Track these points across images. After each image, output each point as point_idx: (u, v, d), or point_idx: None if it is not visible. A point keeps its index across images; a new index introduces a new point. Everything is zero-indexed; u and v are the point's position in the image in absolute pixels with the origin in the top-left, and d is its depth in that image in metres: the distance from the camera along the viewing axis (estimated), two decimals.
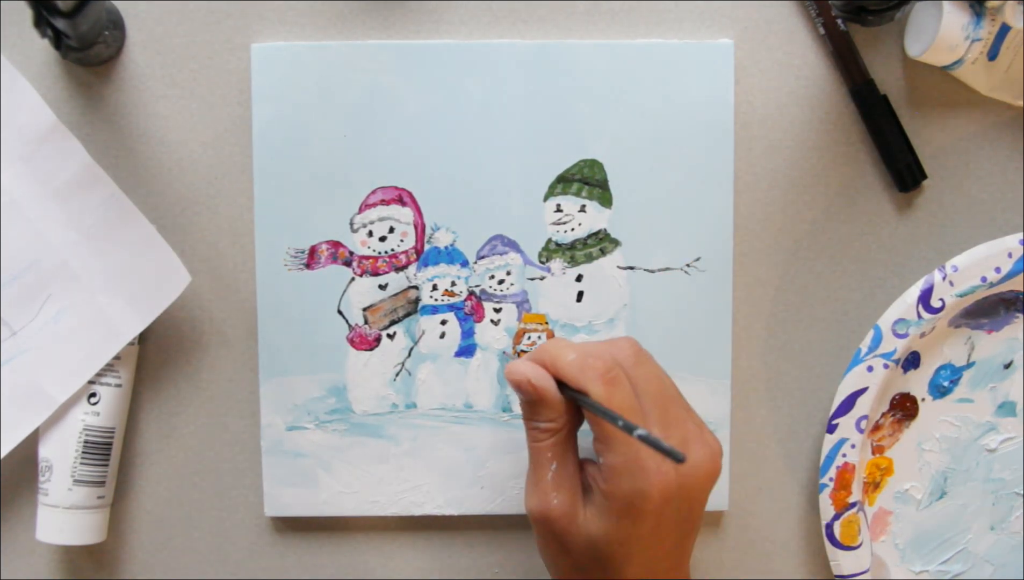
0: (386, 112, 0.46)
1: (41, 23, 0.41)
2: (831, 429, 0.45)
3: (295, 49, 0.46)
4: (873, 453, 0.47)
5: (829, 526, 0.46)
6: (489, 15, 0.46)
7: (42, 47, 0.46)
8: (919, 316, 0.45)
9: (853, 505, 0.46)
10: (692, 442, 0.40)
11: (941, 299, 0.45)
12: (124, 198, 0.45)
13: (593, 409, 0.38)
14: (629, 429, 0.35)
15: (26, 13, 0.43)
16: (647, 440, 0.34)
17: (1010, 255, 0.45)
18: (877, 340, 0.45)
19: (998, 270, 0.45)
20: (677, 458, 0.33)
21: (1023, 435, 0.48)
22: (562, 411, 0.40)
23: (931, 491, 0.48)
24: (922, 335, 0.46)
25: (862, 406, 0.45)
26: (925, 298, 0.45)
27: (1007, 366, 0.47)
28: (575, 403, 0.40)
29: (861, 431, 0.46)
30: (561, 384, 0.40)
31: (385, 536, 0.48)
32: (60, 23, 0.41)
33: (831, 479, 0.46)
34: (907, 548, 0.48)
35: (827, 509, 0.46)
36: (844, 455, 0.46)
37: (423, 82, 0.46)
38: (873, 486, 0.48)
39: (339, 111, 0.46)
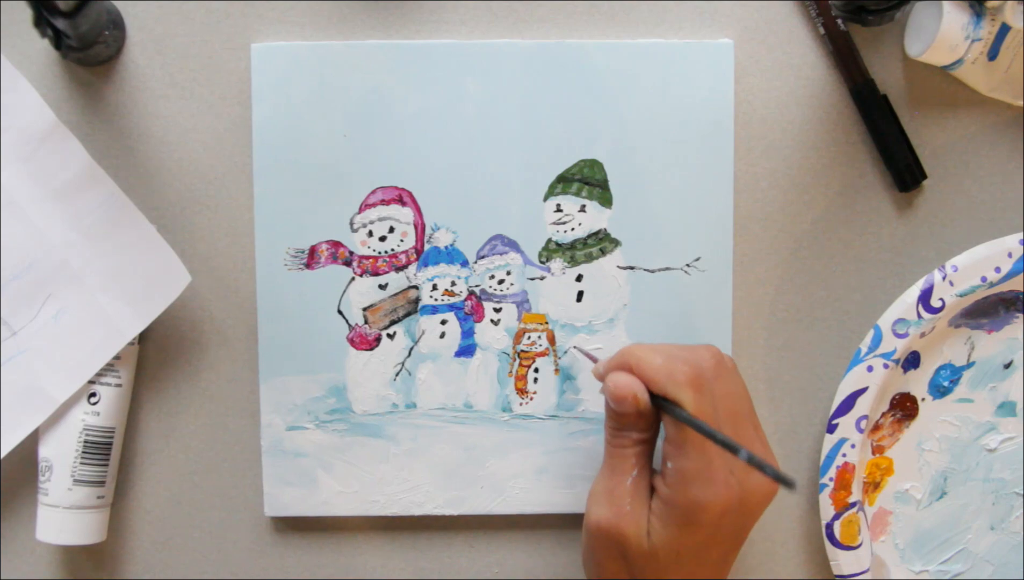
0: (386, 112, 0.46)
1: (41, 23, 0.41)
2: (831, 429, 0.45)
3: (295, 49, 0.46)
4: (873, 453, 0.47)
5: (829, 526, 0.46)
6: (489, 15, 0.46)
7: (42, 47, 0.46)
8: (919, 316, 0.45)
9: (853, 505, 0.46)
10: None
11: (941, 299, 0.45)
12: (124, 198, 0.45)
13: (684, 419, 0.38)
14: (733, 448, 0.35)
15: (26, 13, 0.43)
16: (754, 463, 0.34)
17: (1010, 255, 0.45)
18: (877, 340, 0.45)
19: (998, 270, 0.45)
20: (788, 485, 0.32)
21: (1023, 435, 0.48)
22: (652, 422, 0.40)
23: (931, 491, 0.48)
24: (922, 335, 0.46)
25: (862, 406, 0.45)
26: (925, 298, 0.45)
27: (1007, 366, 0.47)
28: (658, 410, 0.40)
29: (861, 431, 0.46)
30: (653, 396, 0.40)
31: (385, 536, 0.48)
32: (60, 23, 0.41)
33: (831, 479, 0.46)
34: (907, 548, 0.48)
35: (827, 509, 0.46)
36: (844, 455, 0.46)
37: (423, 82, 0.46)
38: (873, 486, 0.48)
39: (339, 111, 0.46)
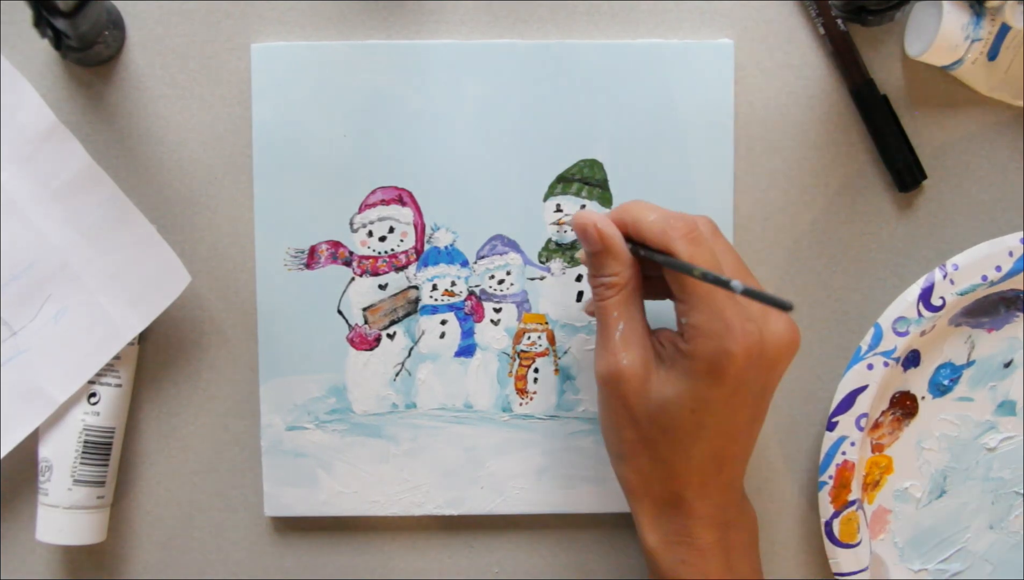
0: (386, 112, 0.46)
1: (41, 23, 0.41)
2: (831, 427, 0.46)
3: (295, 49, 0.46)
4: (873, 451, 0.47)
5: (828, 524, 0.46)
6: (489, 15, 0.46)
7: (42, 47, 0.46)
8: (919, 314, 0.45)
9: (852, 503, 0.46)
10: (770, 312, 0.39)
11: (942, 297, 0.45)
12: (124, 198, 0.45)
13: (678, 267, 0.37)
14: (725, 283, 0.34)
15: (26, 13, 0.42)
16: (750, 292, 0.33)
17: (1011, 254, 0.45)
18: (877, 338, 0.45)
19: (999, 269, 0.45)
20: (784, 306, 0.31)
21: (1023, 434, 0.48)
22: (627, 264, 0.39)
23: (930, 490, 0.48)
24: (922, 333, 0.46)
25: (862, 404, 0.45)
26: (926, 296, 0.45)
27: (1007, 365, 0.47)
28: (642, 262, 0.40)
29: (861, 429, 0.46)
30: (634, 246, 0.39)
31: (385, 536, 0.48)
32: (60, 23, 0.41)
33: (831, 477, 0.46)
34: (906, 546, 0.48)
35: (826, 507, 0.46)
36: (844, 453, 0.46)
37: (423, 82, 0.46)
38: (872, 484, 0.48)
39: (339, 111, 0.46)
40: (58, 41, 0.43)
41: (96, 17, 0.43)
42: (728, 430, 0.39)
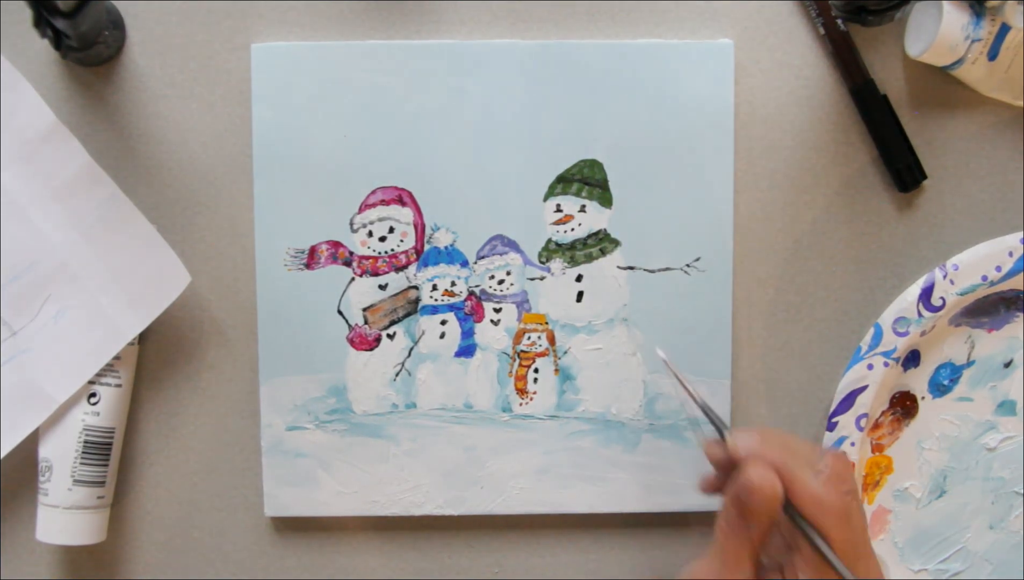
0: (386, 112, 0.46)
1: (41, 23, 0.41)
2: (831, 426, 0.45)
3: (295, 49, 0.46)
4: (873, 451, 0.47)
5: None
6: (489, 15, 0.46)
7: (42, 47, 0.46)
8: (919, 314, 0.45)
9: None
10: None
11: (942, 297, 0.45)
12: (124, 198, 0.45)
13: (828, 559, 0.36)
14: None
15: (26, 13, 0.43)
16: None
17: (1011, 254, 0.45)
18: (878, 338, 0.45)
19: (999, 269, 0.45)
20: None
21: (1023, 434, 0.48)
22: (774, 527, 0.38)
23: (930, 490, 0.48)
24: (922, 333, 0.46)
25: (862, 404, 0.45)
26: (926, 296, 0.45)
27: (1007, 365, 0.47)
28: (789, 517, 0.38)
29: (861, 429, 0.46)
30: (787, 509, 0.38)
31: (385, 536, 0.48)
32: (60, 23, 0.41)
33: None
34: (906, 546, 0.48)
35: None
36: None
37: (423, 82, 0.46)
38: (872, 484, 0.48)
39: (339, 111, 0.46)
40: (58, 41, 0.43)
41: (96, 17, 0.43)
42: None
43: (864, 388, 0.45)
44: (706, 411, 0.41)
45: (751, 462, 0.37)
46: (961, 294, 0.45)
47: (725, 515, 0.38)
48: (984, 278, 0.45)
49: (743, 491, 0.37)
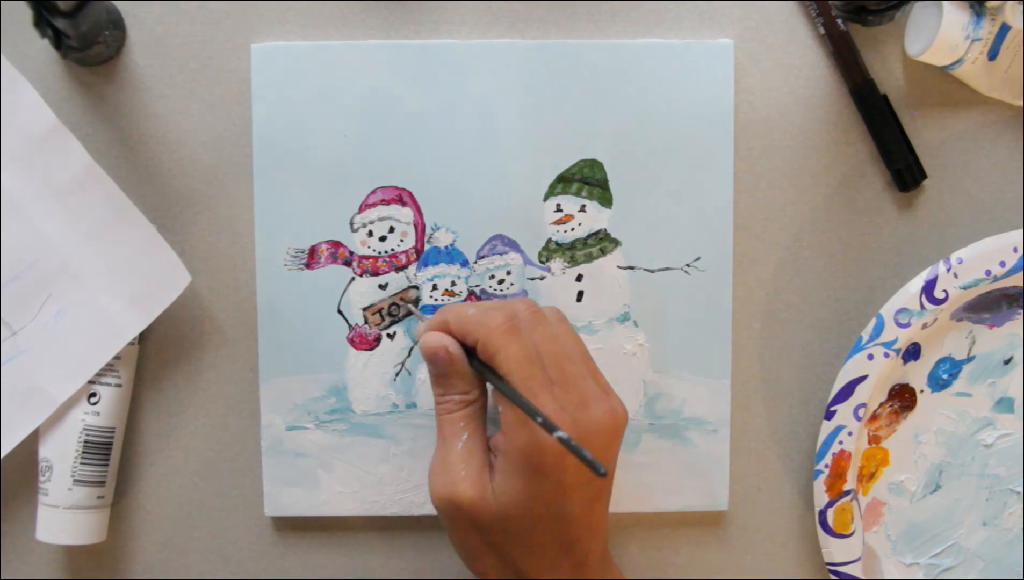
0: (386, 112, 0.46)
1: (41, 23, 0.41)
2: (829, 415, 0.46)
3: (295, 49, 0.46)
4: (869, 443, 0.48)
5: (822, 513, 0.46)
6: (489, 15, 0.46)
7: (42, 47, 0.46)
8: (922, 306, 0.45)
9: (847, 493, 0.46)
10: (591, 401, 0.39)
11: (944, 290, 0.45)
12: (124, 198, 0.45)
13: (504, 391, 0.38)
14: (549, 428, 0.35)
15: (26, 13, 0.42)
16: (567, 444, 0.34)
17: (1016, 250, 0.45)
18: (879, 328, 0.45)
19: (1003, 264, 0.45)
20: (598, 471, 0.32)
21: (1021, 432, 0.48)
22: (475, 382, 0.40)
23: (925, 484, 0.48)
24: (924, 326, 0.46)
25: (861, 394, 0.45)
26: (928, 289, 0.45)
27: (1007, 362, 0.47)
28: (482, 377, 0.40)
29: (859, 419, 0.46)
30: (470, 359, 0.40)
31: (385, 536, 0.48)
32: (60, 23, 0.41)
33: (826, 466, 0.46)
34: (899, 540, 0.48)
35: (821, 496, 0.46)
36: (840, 442, 0.46)
37: (423, 82, 0.46)
38: (868, 476, 0.48)
39: (339, 111, 0.46)
40: (58, 41, 0.43)
41: (96, 17, 0.43)
42: (563, 515, 0.38)
43: (864, 378, 0.45)
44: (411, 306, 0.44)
45: (424, 334, 0.40)
46: (964, 288, 0.45)
47: (433, 393, 0.41)
48: (988, 273, 0.45)
49: (426, 359, 0.40)
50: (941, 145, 0.47)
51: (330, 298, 0.46)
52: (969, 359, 0.47)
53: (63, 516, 0.44)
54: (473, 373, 0.40)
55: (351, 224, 0.46)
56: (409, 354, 0.47)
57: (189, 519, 0.48)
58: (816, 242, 0.48)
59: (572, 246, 0.47)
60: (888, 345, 0.45)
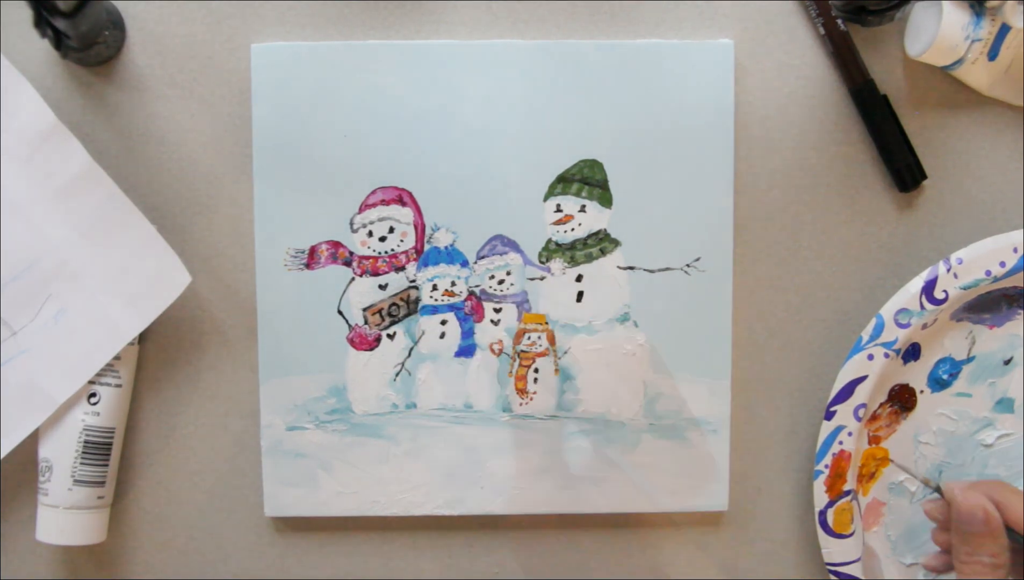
0: (386, 112, 0.46)
1: (41, 23, 0.41)
2: (829, 415, 0.46)
3: (295, 49, 0.46)
4: (870, 443, 0.48)
5: (822, 513, 0.46)
6: (489, 15, 0.46)
7: (42, 47, 0.46)
8: (922, 306, 0.45)
9: (847, 493, 0.46)
10: None
11: (944, 291, 0.45)
12: (124, 198, 0.45)
13: None
14: None
15: (26, 13, 0.43)
16: None
17: (1016, 250, 0.45)
18: (879, 328, 0.45)
19: (1002, 265, 0.45)
20: None
21: (1021, 432, 0.48)
22: (1006, 546, 0.40)
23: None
24: (924, 326, 0.46)
25: (861, 394, 0.45)
26: (929, 289, 0.45)
27: (1007, 362, 0.47)
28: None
29: (859, 419, 0.46)
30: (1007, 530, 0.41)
31: (385, 536, 0.48)
32: (60, 23, 0.41)
33: (826, 466, 0.46)
34: (899, 540, 0.48)
35: (821, 496, 0.46)
36: (840, 443, 0.46)
37: (423, 82, 0.46)
38: (868, 476, 0.48)
39: (339, 111, 0.46)
40: (58, 41, 0.43)
41: (96, 17, 0.43)
42: None
43: (864, 378, 0.45)
44: (925, 482, 0.44)
45: (961, 494, 0.41)
46: (964, 288, 0.45)
47: (956, 555, 0.41)
48: (987, 273, 0.45)
49: (962, 520, 0.41)
50: (941, 145, 0.47)
51: (330, 298, 0.46)
52: (969, 359, 0.47)
53: (63, 516, 0.44)
54: (1006, 539, 0.40)
55: (351, 224, 0.46)
56: (409, 354, 0.47)
57: (189, 519, 0.48)
58: (816, 242, 0.48)
59: (572, 246, 0.47)
60: (888, 345, 0.45)
